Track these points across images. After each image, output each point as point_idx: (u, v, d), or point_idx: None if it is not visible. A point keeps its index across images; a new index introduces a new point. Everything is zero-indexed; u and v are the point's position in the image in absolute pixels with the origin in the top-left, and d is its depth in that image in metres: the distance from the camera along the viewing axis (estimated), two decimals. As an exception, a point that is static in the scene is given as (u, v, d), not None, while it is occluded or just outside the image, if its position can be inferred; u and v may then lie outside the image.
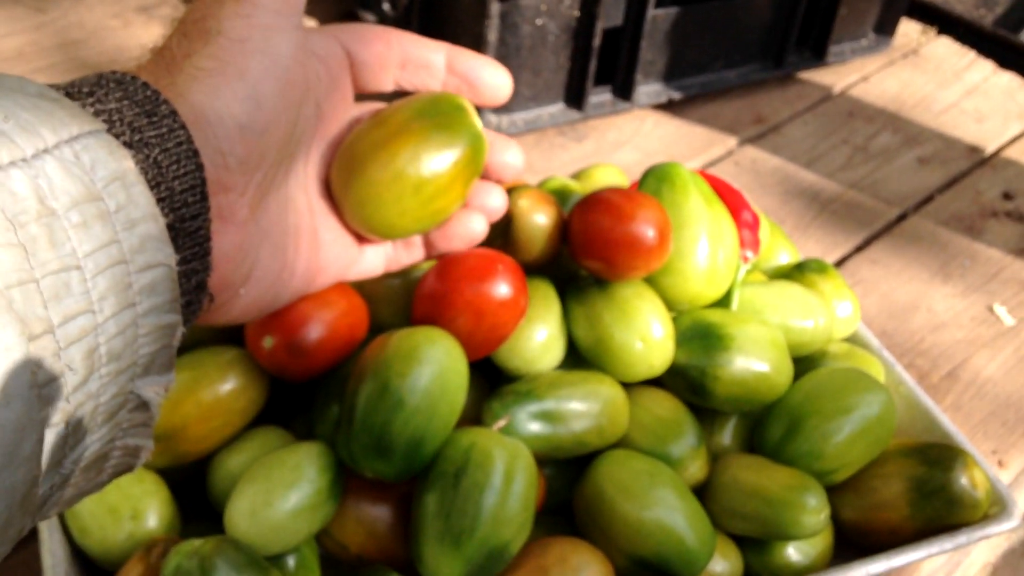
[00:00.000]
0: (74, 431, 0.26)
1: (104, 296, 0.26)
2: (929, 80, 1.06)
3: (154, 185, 0.29)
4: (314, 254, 0.40)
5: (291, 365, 0.48)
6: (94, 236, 0.26)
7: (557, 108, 0.92)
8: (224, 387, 0.48)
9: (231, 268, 0.34)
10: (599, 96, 0.93)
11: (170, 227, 0.29)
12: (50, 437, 0.25)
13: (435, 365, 0.46)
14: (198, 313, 0.32)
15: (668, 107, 0.97)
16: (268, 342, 0.47)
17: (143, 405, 0.29)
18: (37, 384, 0.24)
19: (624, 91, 0.94)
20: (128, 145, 0.28)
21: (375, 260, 0.44)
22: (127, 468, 0.30)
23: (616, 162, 0.90)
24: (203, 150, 0.31)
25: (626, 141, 0.93)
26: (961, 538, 0.53)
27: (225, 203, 0.33)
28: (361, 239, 0.43)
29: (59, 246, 0.25)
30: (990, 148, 0.98)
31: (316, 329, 0.48)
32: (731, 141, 0.95)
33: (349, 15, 1.06)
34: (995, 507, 0.55)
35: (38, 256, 0.24)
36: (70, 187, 0.25)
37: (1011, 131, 1.00)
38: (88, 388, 0.26)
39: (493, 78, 0.44)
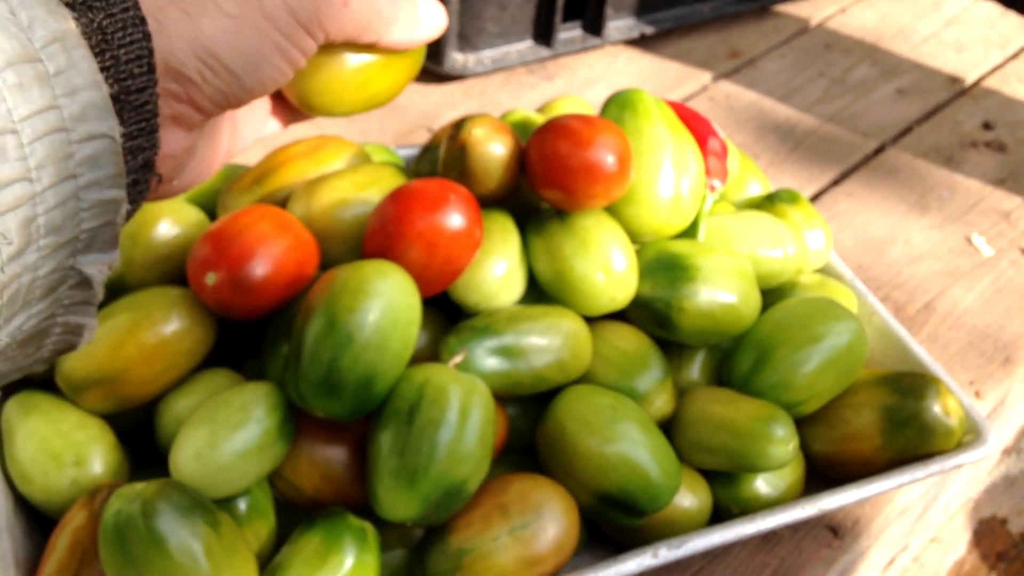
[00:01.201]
0: (9, 303, 0.26)
1: (42, 164, 0.25)
2: (908, 10, 1.04)
3: (98, 52, 0.27)
4: (240, 134, 0.39)
5: (237, 303, 0.46)
6: (31, 99, 0.24)
7: (525, 45, 0.89)
8: (168, 328, 0.46)
9: (172, 165, 0.33)
10: (569, 32, 0.91)
11: (114, 98, 0.28)
12: None
13: (385, 299, 0.44)
14: (145, 193, 0.31)
15: (640, 43, 0.95)
16: (211, 279, 0.45)
17: (85, 282, 0.28)
18: None
19: (594, 26, 0.91)
20: (69, 6, 0.27)
21: (252, 129, 0.41)
22: (68, 347, 0.30)
23: (587, 99, 0.88)
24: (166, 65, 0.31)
25: (598, 78, 0.91)
26: (934, 467, 0.52)
27: (184, 112, 0.32)
28: (289, 117, 0.42)
29: None
30: (970, 78, 0.96)
31: (261, 265, 0.46)
32: (705, 76, 0.92)
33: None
34: (969, 435, 0.54)
35: None
36: (5, 45, 0.24)
37: (991, 60, 0.98)
38: (25, 259, 0.25)
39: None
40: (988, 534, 0.87)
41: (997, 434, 0.75)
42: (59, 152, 0.25)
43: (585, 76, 0.91)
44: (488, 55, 0.88)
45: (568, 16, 0.90)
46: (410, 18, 0.38)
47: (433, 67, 0.86)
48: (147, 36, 0.29)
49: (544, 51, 0.89)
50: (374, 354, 0.44)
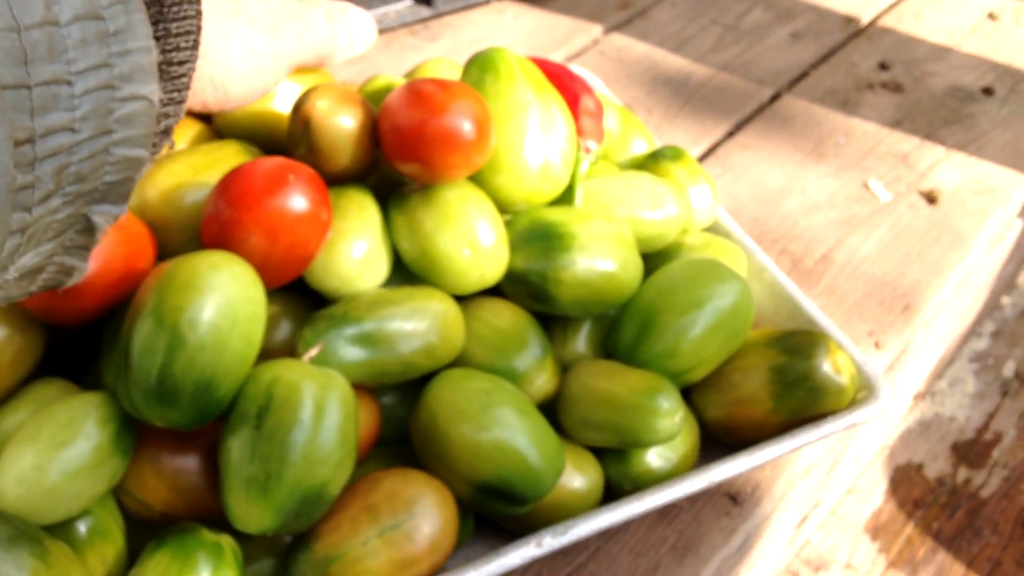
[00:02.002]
0: (27, 241, 0.27)
1: (86, 117, 0.26)
2: (803, -48, 1.01)
3: (153, 21, 0.29)
4: None
5: (58, 307, 0.42)
6: (90, 55, 0.26)
7: (405, 5, 0.85)
8: (-17, 339, 0.42)
9: None
10: (451, -10, 0.86)
11: (158, 66, 0.29)
12: (8, 243, 0.26)
13: (220, 294, 0.40)
14: (155, 156, 0.33)
15: (528, -2, 0.91)
16: (27, 284, 0.41)
17: (90, 229, 0.30)
18: (13, 189, 0.24)
19: (478, -17, 0.87)
20: None
21: None
22: (57, 284, 0.32)
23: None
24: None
25: (484, 37, 0.87)
26: (826, 427, 0.51)
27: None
28: None
29: (56, 57, 0.25)
30: (866, 18, 0.94)
31: (83, 264, 0.41)
32: (595, 29, 0.89)
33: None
34: (863, 391, 0.53)
35: (35, 64, 0.24)
36: (75, 1, 0.25)
37: (887, -1, 0.96)
38: (50, 204, 0.26)
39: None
40: (905, 481, 0.87)
41: (904, 382, 0.75)
42: (102, 108, 0.27)
43: (471, 35, 0.87)
44: (366, 18, 0.83)
45: (449, -27, 0.86)
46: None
47: (307, 34, 0.81)
48: (199, 15, 0.31)
49: (425, 10, 0.85)
50: (211, 356, 0.40)
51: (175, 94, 0.32)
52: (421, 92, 0.47)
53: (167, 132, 0.34)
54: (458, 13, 0.88)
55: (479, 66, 0.52)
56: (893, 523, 0.85)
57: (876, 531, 0.86)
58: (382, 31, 0.84)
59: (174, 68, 0.31)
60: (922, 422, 0.92)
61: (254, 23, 0.44)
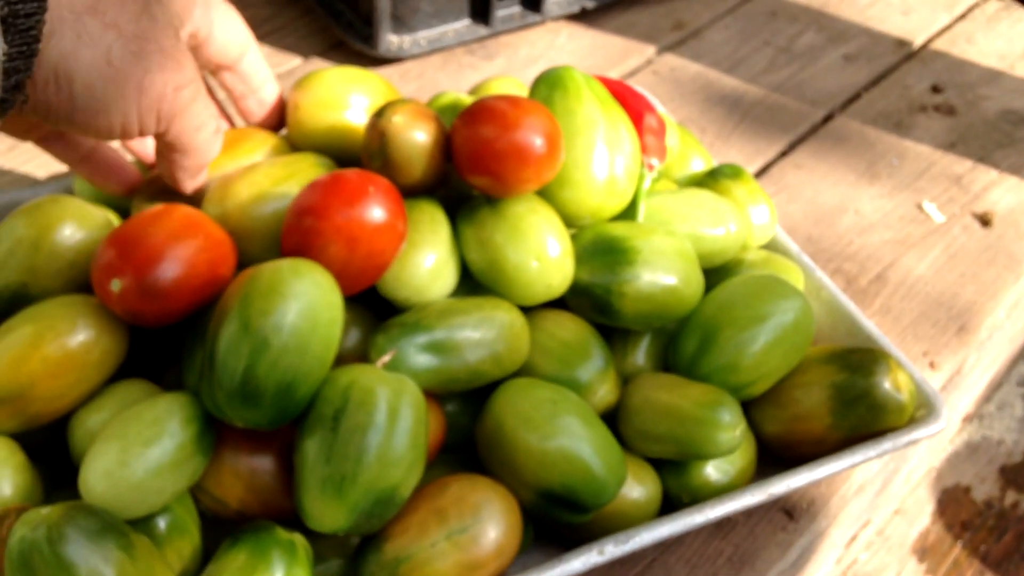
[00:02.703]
0: None
1: None
2: (854, -25, 1.02)
3: None
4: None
5: (146, 310, 0.43)
6: None
7: (463, 24, 0.87)
8: (73, 339, 0.43)
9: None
10: (507, 9, 0.88)
11: (2, 20, 0.30)
12: None
13: (302, 299, 0.42)
14: (6, 112, 0.34)
15: (582, 17, 0.92)
16: (117, 285, 0.43)
17: None
18: None
19: (533, 2, 0.89)
20: None
21: None
22: None
23: (527, 78, 0.85)
24: None
25: (539, 56, 0.88)
26: (886, 444, 0.51)
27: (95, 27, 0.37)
28: None
29: None
30: (918, 41, 0.94)
31: (171, 267, 0.43)
32: (649, 50, 0.90)
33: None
34: (922, 410, 0.53)
35: None
36: None
37: (939, 22, 0.97)
38: None
39: (269, 100, 0.55)
40: (952, 503, 0.87)
41: (955, 403, 0.75)
42: None
43: (526, 54, 0.88)
44: (424, 36, 0.85)
45: (506, -8, 0.87)
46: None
47: (367, 50, 0.83)
48: None
49: (482, 30, 0.87)
50: (293, 358, 0.41)
51: (23, 47, 0.32)
52: (494, 108, 0.48)
53: (19, 87, 0.34)
54: (514, 32, 0.89)
55: (548, 83, 0.53)
56: (940, 545, 0.85)
57: (923, 552, 0.86)
58: (440, 49, 0.86)
59: (21, 21, 0.32)
60: (970, 444, 0.92)
61: (120, 35, 0.40)
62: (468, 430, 0.51)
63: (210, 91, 0.52)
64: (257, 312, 0.41)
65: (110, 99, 0.39)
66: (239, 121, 0.58)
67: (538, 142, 0.48)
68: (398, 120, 0.48)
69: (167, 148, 0.45)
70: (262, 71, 0.53)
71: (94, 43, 0.38)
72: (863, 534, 0.78)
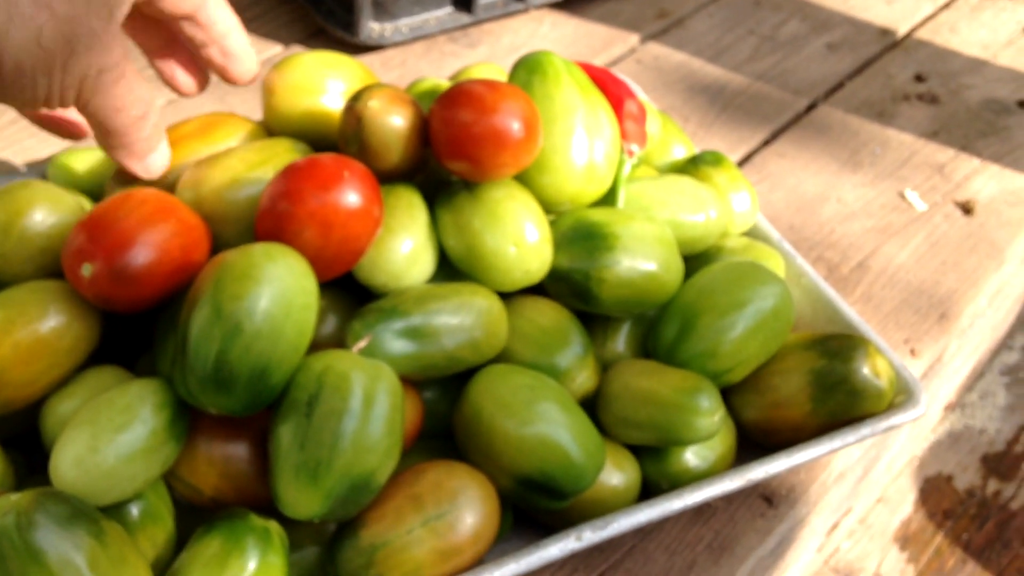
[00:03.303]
0: None
1: None
2: (838, -36, 1.02)
3: None
4: None
5: (118, 295, 0.43)
6: None
7: (445, 12, 0.86)
8: (44, 324, 0.43)
9: None
10: (490, -3, 0.88)
11: None
12: None
13: (276, 284, 0.41)
14: None
15: (565, 6, 0.92)
16: (87, 270, 0.42)
17: None
18: None
19: (517, -10, 0.88)
20: None
21: None
22: None
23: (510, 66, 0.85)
24: None
25: (522, 45, 0.88)
26: (864, 430, 0.51)
27: None
28: None
29: None
30: (902, 30, 0.94)
31: (142, 252, 0.43)
32: (633, 39, 0.90)
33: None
34: (901, 396, 0.53)
35: None
36: None
37: (923, 11, 0.97)
38: None
39: (240, 51, 0.52)
40: (934, 492, 0.87)
41: (937, 391, 0.75)
42: None
43: (509, 42, 0.88)
44: (406, 23, 0.85)
45: (489, -20, 0.87)
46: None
47: (348, 37, 0.83)
48: None
49: (465, 17, 0.86)
50: (266, 344, 0.41)
51: None
52: (471, 92, 0.48)
53: None
54: (497, 20, 0.89)
55: (527, 68, 0.53)
56: (922, 533, 0.85)
57: (905, 541, 0.86)
58: (422, 37, 0.85)
59: None
60: (952, 434, 0.91)
61: (52, 15, 0.40)
62: (446, 417, 0.51)
63: (177, 49, 0.52)
64: (229, 297, 0.40)
65: (36, 76, 0.41)
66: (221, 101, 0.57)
67: (516, 126, 0.47)
68: (374, 104, 0.48)
69: (91, 125, 0.46)
70: (224, 20, 0.50)
71: (25, 24, 0.39)
72: (845, 522, 0.78)
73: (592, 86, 0.53)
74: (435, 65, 0.85)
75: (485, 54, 0.86)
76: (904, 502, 0.89)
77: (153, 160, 0.48)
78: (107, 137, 0.46)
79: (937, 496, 0.85)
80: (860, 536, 0.87)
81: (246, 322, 0.40)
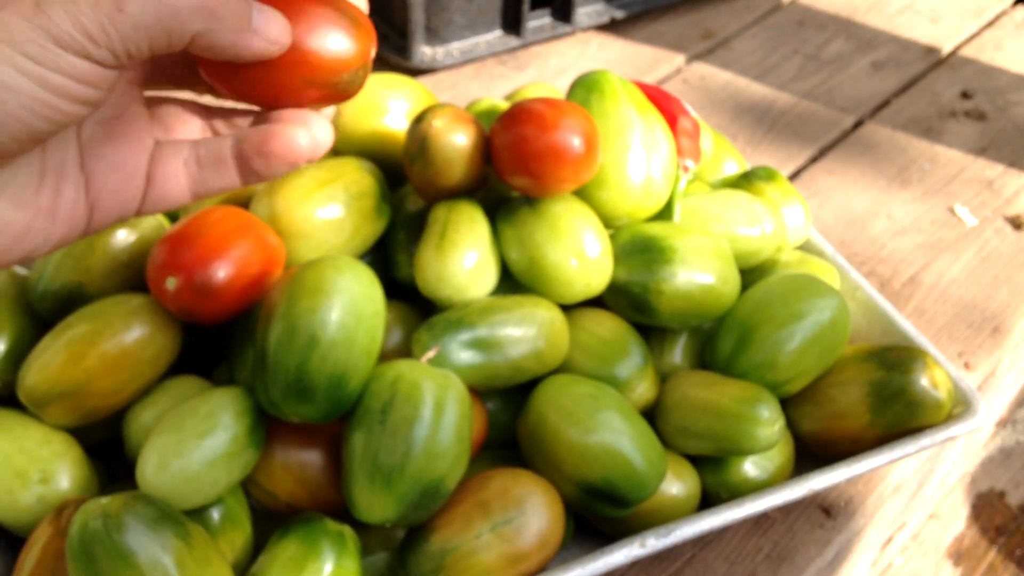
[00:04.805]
0: None
1: None
2: (881, -16, 1.03)
3: None
4: (156, 189, 0.34)
5: (199, 307, 0.45)
6: None
7: (494, 35, 0.88)
8: (129, 336, 0.45)
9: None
10: (538, 20, 0.89)
11: None
12: None
13: (345, 295, 0.43)
14: None
15: (611, 27, 0.94)
16: (171, 283, 0.44)
17: None
18: None
19: (563, 13, 0.90)
20: None
21: (176, 187, 0.34)
22: None
23: (560, 88, 0.87)
24: None
25: (569, 66, 0.89)
26: (924, 440, 0.51)
27: None
28: (151, 173, 0.34)
29: None
30: (946, 48, 0.94)
31: (223, 267, 0.44)
32: (679, 59, 0.91)
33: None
34: (959, 407, 0.53)
35: None
36: None
37: (967, 29, 0.97)
38: None
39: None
40: (987, 508, 0.86)
41: (989, 406, 0.75)
42: None
43: (557, 64, 0.90)
44: (457, 47, 0.87)
45: (536, 4, 0.89)
46: (236, 17, 0.29)
47: (401, 62, 0.85)
48: None
49: (514, 40, 0.88)
50: (342, 352, 0.42)
51: None
52: (532, 110, 0.49)
53: None
54: (545, 43, 0.91)
55: (585, 87, 0.54)
56: (975, 549, 0.84)
57: (959, 557, 0.86)
58: (472, 60, 0.87)
59: None
60: (1003, 450, 0.91)
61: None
62: (509, 428, 0.52)
63: None
64: (304, 310, 0.42)
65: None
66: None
67: (576, 142, 0.49)
68: (438, 124, 0.50)
69: (160, 37, 0.29)
70: None
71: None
72: (898, 537, 0.78)
73: (648, 103, 0.55)
74: (485, 87, 0.86)
75: (533, 76, 0.88)
76: (957, 518, 0.88)
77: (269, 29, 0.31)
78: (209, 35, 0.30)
79: (989, 512, 0.84)
80: (913, 552, 0.86)
81: (321, 333, 0.42)
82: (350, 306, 0.43)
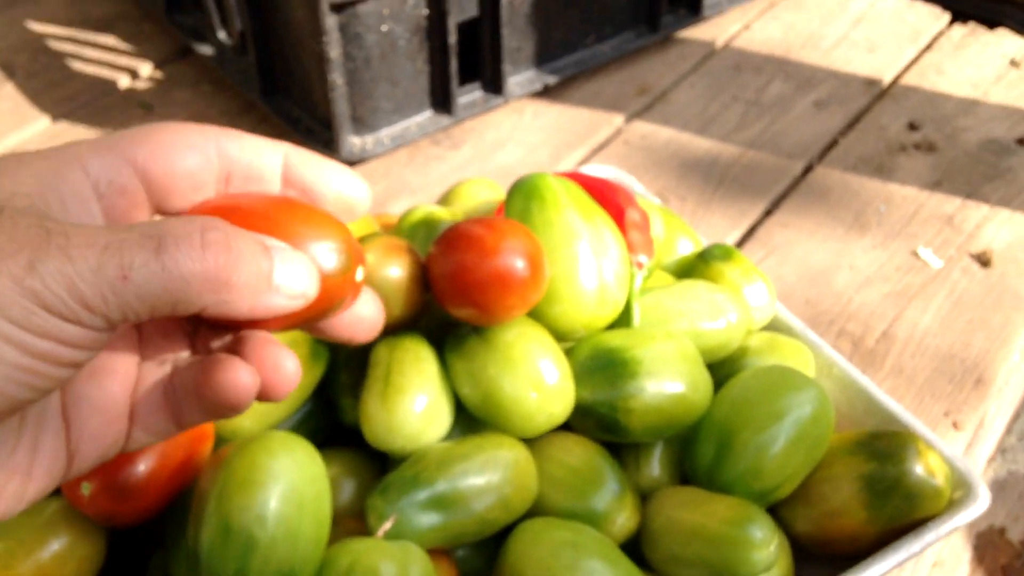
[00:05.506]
0: None
1: None
2: (813, 17, 1.01)
3: None
4: (82, 452, 0.29)
5: (121, 510, 0.40)
6: None
7: (425, 116, 0.84)
8: (45, 552, 0.40)
9: None
10: (468, 95, 0.86)
11: None
12: None
13: (283, 482, 0.38)
14: None
15: (545, 94, 0.90)
16: (86, 489, 0.39)
17: None
18: None
19: (494, 85, 0.86)
20: None
21: (162, 421, 0.30)
22: None
23: (498, 163, 0.83)
24: None
25: (506, 139, 0.86)
26: (929, 536, 0.48)
27: None
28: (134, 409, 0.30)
29: None
30: (887, 77, 0.92)
31: (142, 462, 0.40)
32: (617, 119, 0.88)
33: (183, 51, 0.96)
34: (959, 491, 0.50)
35: None
36: None
37: (906, 55, 0.95)
38: None
39: (343, 189, 0.33)
40: (989, 548, 0.83)
41: (980, 455, 0.72)
42: None
43: (493, 138, 0.86)
44: (387, 133, 0.83)
45: (465, 79, 0.85)
46: (255, 281, 0.26)
47: (329, 155, 0.80)
48: None
49: (445, 119, 0.84)
50: (285, 550, 0.38)
51: None
52: (470, 234, 0.45)
53: None
54: (477, 117, 0.87)
55: (523, 194, 0.50)
56: (984, 595, 0.80)
57: (968, 606, 0.82)
58: (405, 144, 0.83)
59: None
60: (996, 482, 0.88)
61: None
62: (483, 573, 0.48)
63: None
64: (237, 508, 0.37)
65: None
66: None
67: (520, 265, 0.45)
68: (370, 258, 0.46)
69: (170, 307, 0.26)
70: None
71: None
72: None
73: (592, 203, 0.51)
74: (420, 171, 0.83)
75: (470, 154, 0.84)
76: (960, 563, 0.84)
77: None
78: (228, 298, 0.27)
79: (993, 552, 0.81)
80: (922, 607, 0.82)
81: (259, 532, 0.37)
82: (290, 495, 0.38)
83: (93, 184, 0.27)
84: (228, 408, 0.28)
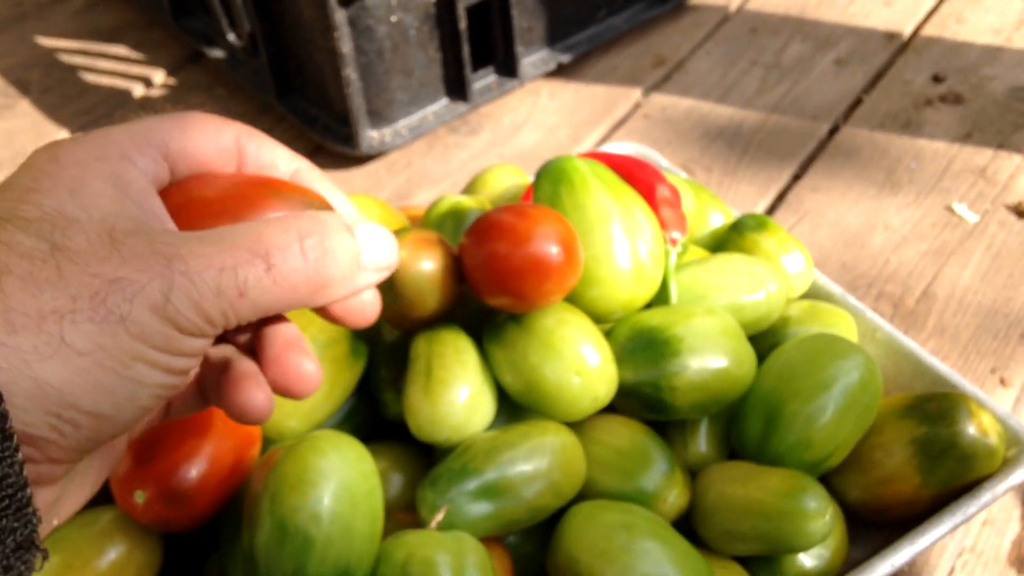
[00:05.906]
0: None
1: None
2: (826, -27, 0.99)
3: None
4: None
5: (175, 516, 0.40)
6: None
7: (441, 105, 0.84)
8: (103, 562, 0.40)
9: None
10: (483, 80, 0.85)
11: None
12: None
13: (334, 480, 0.38)
14: (28, 573, 0.25)
15: (560, 73, 0.89)
16: (140, 497, 0.39)
17: None
18: None
19: (508, 67, 0.86)
20: None
21: (192, 400, 0.32)
22: None
23: (518, 146, 0.82)
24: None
25: (524, 121, 0.85)
26: (985, 496, 0.47)
27: (45, 472, 0.26)
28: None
29: None
30: (907, 30, 0.91)
31: (193, 467, 0.40)
32: (635, 93, 0.87)
33: (194, 56, 0.96)
34: (1013, 448, 0.49)
35: None
36: None
37: (924, 6, 0.93)
38: None
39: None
40: (1040, 505, 0.81)
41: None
42: None
43: (510, 121, 0.85)
44: (404, 124, 0.82)
45: (478, 64, 0.84)
46: (349, 269, 0.28)
47: (348, 151, 0.80)
48: None
49: (462, 106, 0.84)
50: (341, 546, 0.38)
51: (5, 502, 0.24)
52: (502, 223, 0.45)
53: (24, 546, 0.25)
54: (494, 102, 0.86)
55: (551, 179, 0.50)
56: (1037, 551, 0.79)
57: (1021, 563, 0.81)
58: (423, 134, 0.83)
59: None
60: (1045, 436, 0.85)
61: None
62: (533, 559, 0.47)
63: None
64: (291, 509, 0.37)
65: (123, 374, 0.26)
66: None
67: (555, 251, 0.44)
68: (402, 253, 0.45)
69: (283, 307, 0.28)
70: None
71: (43, 354, 0.25)
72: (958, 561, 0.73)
73: (621, 182, 0.50)
74: (440, 160, 0.82)
75: (488, 139, 0.84)
76: (1011, 520, 0.83)
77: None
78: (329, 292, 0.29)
79: (1043, 507, 0.80)
80: (974, 565, 0.82)
81: (315, 531, 0.37)
82: (342, 492, 0.38)
83: (150, 181, 0.29)
84: (247, 422, 0.29)
